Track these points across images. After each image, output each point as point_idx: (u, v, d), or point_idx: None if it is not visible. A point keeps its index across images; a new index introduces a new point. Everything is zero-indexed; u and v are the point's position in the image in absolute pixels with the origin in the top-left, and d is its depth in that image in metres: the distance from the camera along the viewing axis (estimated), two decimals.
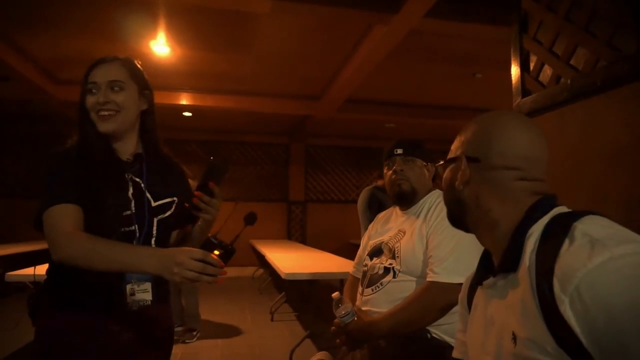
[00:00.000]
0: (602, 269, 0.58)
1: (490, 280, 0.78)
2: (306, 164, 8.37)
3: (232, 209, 1.24)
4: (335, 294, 1.47)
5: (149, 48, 4.33)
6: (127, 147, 1.21)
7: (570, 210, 0.72)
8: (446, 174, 0.86)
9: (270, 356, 3.53)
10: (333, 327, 1.46)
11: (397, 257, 1.54)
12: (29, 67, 4.74)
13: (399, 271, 1.52)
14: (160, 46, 4.31)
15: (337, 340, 1.47)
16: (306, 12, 3.50)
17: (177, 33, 4.10)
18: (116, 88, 1.16)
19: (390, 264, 1.55)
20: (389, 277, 1.53)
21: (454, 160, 0.83)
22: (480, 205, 0.78)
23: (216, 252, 1.00)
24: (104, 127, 1.15)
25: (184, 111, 6.35)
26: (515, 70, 1.89)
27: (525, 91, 1.83)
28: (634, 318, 0.55)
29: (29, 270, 3.13)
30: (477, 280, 0.85)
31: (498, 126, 0.80)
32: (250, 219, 1.18)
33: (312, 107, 6.15)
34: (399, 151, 1.65)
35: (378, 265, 1.58)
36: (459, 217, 0.85)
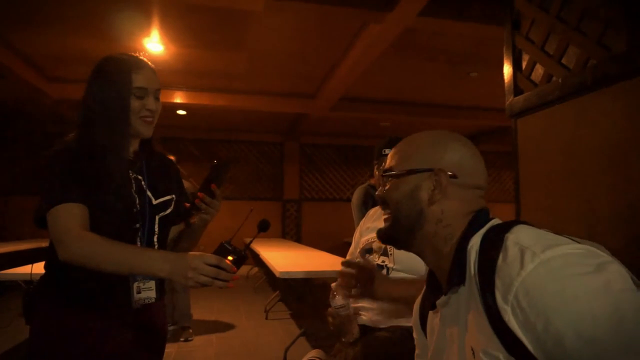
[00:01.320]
0: (534, 274, 0.60)
1: (443, 298, 0.78)
2: (301, 162, 8.38)
3: (247, 214, 1.26)
4: (334, 284, 1.48)
5: (143, 46, 4.31)
6: (133, 147, 1.22)
7: (501, 222, 0.75)
8: (406, 183, 0.81)
9: (264, 354, 3.54)
10: (328, 313, 1.47)
11: (390, 254, 1.55)
12: (22, 65, 4.71)
13: (392, 269, 1.52)
14: (154, 44, 4.29)
15: (329, 321, 1.47)
16: (300, 10, 3.50)
17: (171, 31, 4.08)
18: (157, 96, 1.20)
19: (383, 262, 1.55)
20: (383, 273, 1.54)
21: (420, 171, 0.81)
22: (441, 220, 0.78)
23: (229, 258, 1.02)
24: (146, 131, 1.19)
25: (178, 109, 6.33)
26: (507, 69, 1.90)
27: (517, 90, 1.84)
28: (567, 318, 0.57)
29: (22, 269, 3.11)
30: (429, 305, 0.86)
31: (464, 145, 0.82)
32: (263, 226, 1.20)
33: (307, 105, 6.15)
34: (387, 151, 1.65)
35: (372, 262, 1.58)
36: (407, 231, 0.81)
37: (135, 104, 1.15)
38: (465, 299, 0.73)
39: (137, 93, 1.15)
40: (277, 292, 5.01)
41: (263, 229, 1.19)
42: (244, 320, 4.55)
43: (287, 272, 3.22)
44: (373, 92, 5.99)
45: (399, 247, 0.86)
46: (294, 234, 8.16)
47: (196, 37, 4.20)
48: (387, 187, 0.85)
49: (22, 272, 3.06)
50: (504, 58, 1.92)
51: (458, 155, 0.80)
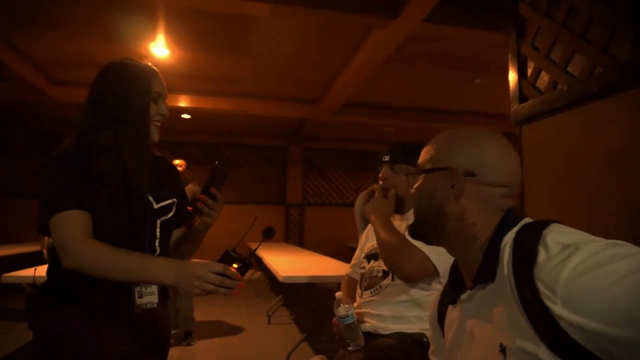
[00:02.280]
0: (582, 266, 0.61)
1: (467, 293, 0.78)
2: (304, 166, 8.38)
3: (252, 222, 1.26)
4: (339, 293, 1.48)
5: (148, 50, 4.33)
6: None
7: (534, 220, 0.75)
8: (425, 182, 0.83)
9: (267, 359, 3.53)
10: (334, 327, 1.47)
11: None
12: (26, 67, 4.74)
13: None
14: (160, 48, 4.31)
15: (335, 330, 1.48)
16: (305, 16, 3.51)
17: (176, 35, 4.10)
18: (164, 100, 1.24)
19: None
20: (388, 280, 1.53)
21: (435, 170, 0.81)
22: (464, 219, 0.78)
23: (234, 265, 1.03)
24: (157, 135, 1.21)
25: (183, 113, 6.35)
26: (512, 76, 1.91)
27: (522, 97, 1.84)
28: (624, 305, 0.57)
29: (25, 272, 3.12)
30: (451, 298, 0.85)
31: (487, 141, 0.80)
32: (268, 234, 1.21)
33: (311, 110, 6.16)
34: (386, 158, 1.65)
35: (377, 268, 1.58)
36: (431, 229, 0.82)
37: (152, 108, 1.18)
38: (492, 295, 0.73)
39: (156, 98, 1.19)
40: (280, 296, 5.00)
41: (268, 237, 1.20)
42: (247, 324, 4.54)
43: (290, 277, 3.22)
44: (377, 97, 5.99)
45: (428, 243, 0.86)
46: (296, 238, 8.15)
47: (201, 42, 4.22)
48: (414, 186, 0.86)
49: (26, 275, 3.06)
50: (509, 65, 1.92)
51: (477, 152, 0.79)
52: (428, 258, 1.38)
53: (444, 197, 0.79)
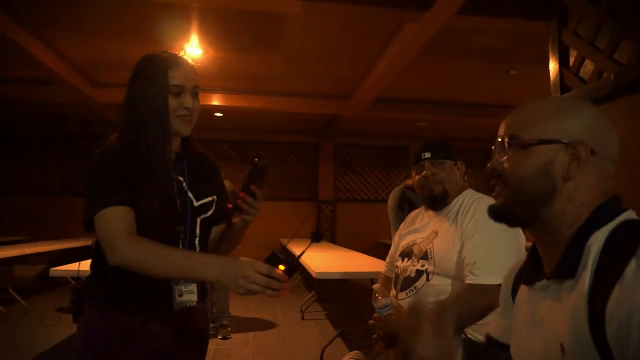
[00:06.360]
0: None
1: (544, 282, 0.72)
2: (335, 163, 8.37)
3: (300, 224, 1.25)
4: (376, 286, 1.47)
5: (183, 50, 4.42)
6: (174, 147, 1.20)
7: (637, 218, 0.67)
8: (536, 156, 0.71)
9: (301, 354, 3.55)
10: (371, 321, 1.45)
11: (431, 258, 1.52)
12: (69, 71, 4.94)
13: (433, 273, 1.50)
14: (193, 48, 4.40)
15: (374, 336, 1.45)
16: (336, 12, 3.50)
17: (209, 35, 4.17)
18: (195, 93, 1.18)
19: (423, 266, 1.53)
20: (423, 280, 1.51)
21: (553, 142, 0.71)
22: (573, 198, 0.70)
23: (281, 267, 0.99)
24: (185, 129, 1.17)
25: (216, 112, 6.46)
26: (553, 66, 1.84)
27: (564, 87, 1.77)
28: None
29: (70, 266, 3.26)
30: (525, 279, 0.79)
31: (594, 110, 0.72)
32: (316, 236, 1.17)
33: (342, 106, 6.15)
34: (427, 155, 1.62)
35: (410, 267, 1.56)
36: (530, 208, 0.72)
37: (172, 102, 1.12)
38: (568, 291, 0.67)
39: (174, 90, 1.13)
40: (313, 292, 5.03)
41: (316, 240, 1.15)
42: (281, 319, 4.59)
43: (324, 273, 3.23)
44: (409, 92, 5.91)
45: (513, 225, 0.79)
46: (329, 234, 8.16)
47: (233, 41, 4.28)
48: (504, 159, 0.74)
49: (70, 269, 3.21)
50: (550, 54, 1.85)
51: (594, 124, 0.71)
52: (468, 290, 1.37)
53: (560, 174, 0.70)
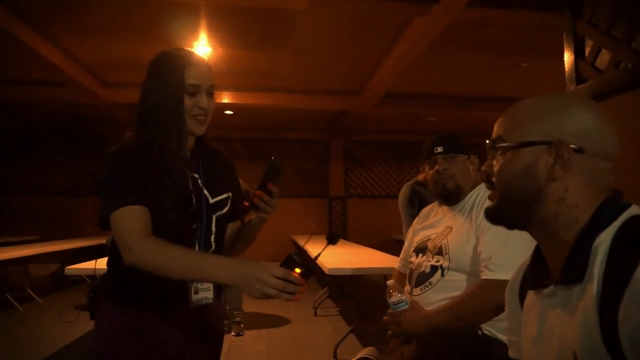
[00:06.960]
0: None
1: (551, 289, 0.70)
2: (346, 159, 8.35)
3: (315, 227, 1.23)
4: (390, 281, 1.46)
5: (193, 49, 4.44)
6: (188, 144, 1.20)
7: None
8: (518, 158, 0.71)
9: (314, 350, 3.56)
10: (386, 317, 1.45)
11: (445, 253, 1.51)
12: (79, 71, 4.98)
13: (448, 268, 1.49)
14: (202, 46, 4.41)
15: (389, 332, 1.45)
16: (343, 7, 3.48)
17: (218, 33, 4.18)
18: (211, 92, 1.17)
19: (438, 261, 1.52)
20: (437, 275, 1.50)
21: (535, 144, 0.70)
22: (565, 200, 0.68)
23: (297, 270, 0.98)
24: (199, 129, 1.16)
25: (226, 109, 6.49)
26: (568, 57, 1.80)
27: (579, 78, 1.74)
28: None
29: (86, 264, 3.29)
30: (532, 284, 0.77)
31: (584, 106, 0.70)
32: (332, 238, 1.12)
33: (351, 102, 6.12)
34: (440, 149, 1.61)
35: (425, 263, 1.55)
36: (521, 212, 0.72)
37: (187, 102, 1.11)
38: (577, 296, 0.64)
39: (189, 90, 1.11)
40: (326, 288, 5.03)
41: (332, 242, 1.11)
42: (293, 315, 4.60)
43: (336, 269, 3.22)
44: (419, 87, 5.86)
45: (511, 227, 0.77)
46: (340, 230, 8.16)
47: (241, 38, 4.28)
48: (493, 162, 0.74)
49: (87, 268, 3.24)
50: (565, 45, 1.82)
51: (581, 121, 0.69)
52: (483, 286, 1.36)
53: (544, 175, 0.69)
